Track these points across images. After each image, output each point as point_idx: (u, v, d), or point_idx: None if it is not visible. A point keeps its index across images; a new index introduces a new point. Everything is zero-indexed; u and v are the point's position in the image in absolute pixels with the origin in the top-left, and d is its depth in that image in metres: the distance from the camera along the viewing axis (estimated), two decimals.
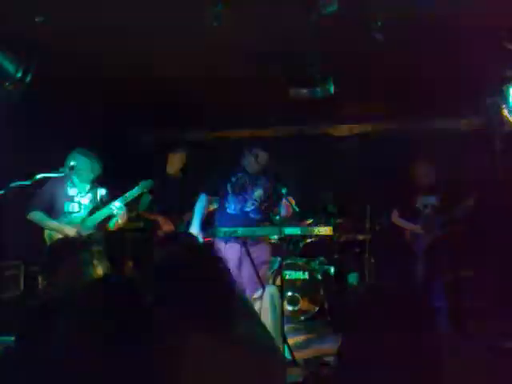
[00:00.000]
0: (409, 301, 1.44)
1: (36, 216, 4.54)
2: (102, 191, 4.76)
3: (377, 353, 1.34)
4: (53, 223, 4.52)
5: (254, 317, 2.68)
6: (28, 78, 4.14)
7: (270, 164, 4.65)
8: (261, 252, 4.54)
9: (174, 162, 5.56)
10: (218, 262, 1.97)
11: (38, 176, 4.29)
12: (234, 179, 4.62)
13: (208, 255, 2.03)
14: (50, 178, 4.51)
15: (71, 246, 2.96)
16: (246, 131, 6.63)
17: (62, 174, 4.47)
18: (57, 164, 4.60)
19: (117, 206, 4.57)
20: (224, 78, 5.07)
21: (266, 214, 4.71)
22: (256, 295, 4.36)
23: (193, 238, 3.30)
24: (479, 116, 5.66)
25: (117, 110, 6.32)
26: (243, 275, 4.42)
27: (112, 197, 4.74)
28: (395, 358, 1.33)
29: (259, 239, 4.54)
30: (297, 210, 4.47)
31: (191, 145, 6.11)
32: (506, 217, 4.89)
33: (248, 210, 4.60)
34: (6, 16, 3.58)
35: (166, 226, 5.28)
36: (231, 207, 4.60)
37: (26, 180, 4.63)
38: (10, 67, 3.99)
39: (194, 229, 4.63)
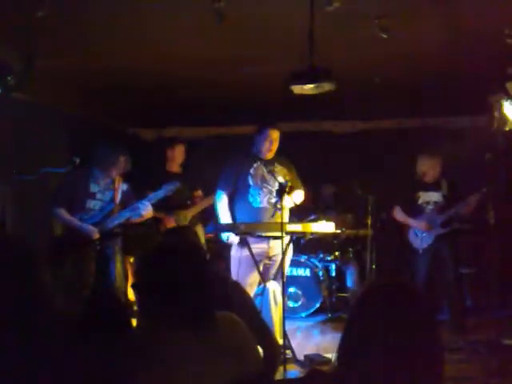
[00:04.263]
0: (410, 298, 1.44)
1: (61, 213, 4.42)
2: (123, 187, 4.67)
3: (377, 350, 1.34)
4: (77, 223, 4.38)
5: (255, 312, 2.68)
6: (31, 72, 4.14)
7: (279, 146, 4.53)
8: (279, 246, 4.32)
9: (173, 158, 5.52)
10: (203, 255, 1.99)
11: (41, 171, 4.28)
12: (252, 171, 4.49)
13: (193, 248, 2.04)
14: (55, 173, 4.47)
15: (77, 240, 2.97)
16: (249, 127, 6.61)
17: (67, 170, 4.44)
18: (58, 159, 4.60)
19: (143, 206, 4.45)
20: (226, 73, 5.06)
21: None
22: (257, 291, 4.36)
23: (193, 232, 3.30)
24: (482, 114, 5.64)
25: (116, 105, 6.34)
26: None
27: (132, 192, 4.70)
28: (395, 355, 1.33)
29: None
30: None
31: (192, 141, 6.09)
32: (508, 215, 4.88)
33: (274, 200, 4.42)
34: (6, 9, 3.57)
35: (169, 223, 5.27)
36: (257, 200, 4.44)
37: (29, 174, 4.63)
38: (12, 61, 3.99)
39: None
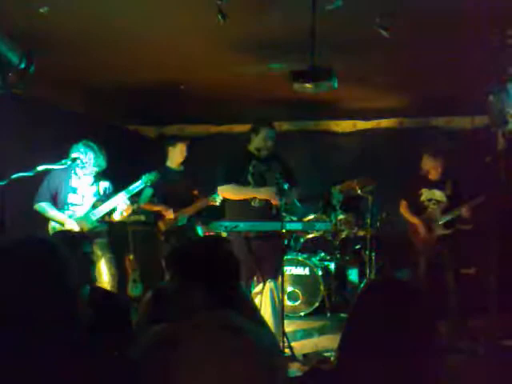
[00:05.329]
0: (409, 298, 1.44)
1: (42, 207, 4.55)
2: (105, 184, 4.75)
3: (376, 349, 1.34)
4: (58, 215, 4.52)
5: (255, 311, 2.68)
6: (32, 69, 4.14)
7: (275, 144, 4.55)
8: (277, 246, 4.36)
9: (174, 156, 5.52)
10: (230, 254, 1.99)
11: (40, 167, 4.28)
12: (252, 169, 4.47)
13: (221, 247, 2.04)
14: (52, 169, 4.50)
15: (72, 238, 2.97)
16: (249, 125, 6.62)
17: (65, 166, 4.46)
18: (58, 156, 4.59)
19: (121, 199, 4.54)
20: (227, 72, 5.06)
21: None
22: (256, 290, 4.36)
23: (196, 231, 3.30)
24: (482, 114, 5.64)
25: (118, 103, 6.33)
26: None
27: (115, 190, 4.74)
28: (395, 354, 1.33)
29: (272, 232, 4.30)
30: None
31: (193, 139, 6.09)
32: (508, 216, 4.89)
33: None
34: (8, 6, 3.56)
35: (168, 215, 5.27)
36: (256, 200, 4.42)
37: (28, 171, 4.63)
38: (13, 58, 3.98)
39: None
